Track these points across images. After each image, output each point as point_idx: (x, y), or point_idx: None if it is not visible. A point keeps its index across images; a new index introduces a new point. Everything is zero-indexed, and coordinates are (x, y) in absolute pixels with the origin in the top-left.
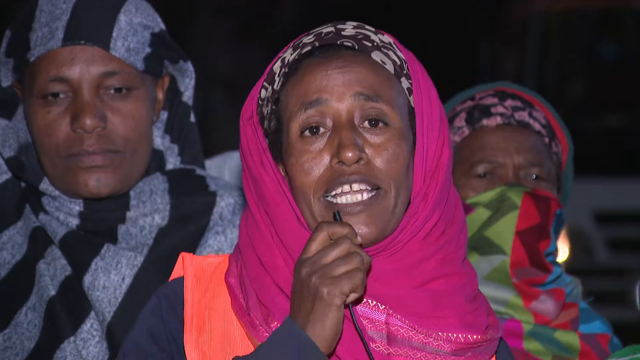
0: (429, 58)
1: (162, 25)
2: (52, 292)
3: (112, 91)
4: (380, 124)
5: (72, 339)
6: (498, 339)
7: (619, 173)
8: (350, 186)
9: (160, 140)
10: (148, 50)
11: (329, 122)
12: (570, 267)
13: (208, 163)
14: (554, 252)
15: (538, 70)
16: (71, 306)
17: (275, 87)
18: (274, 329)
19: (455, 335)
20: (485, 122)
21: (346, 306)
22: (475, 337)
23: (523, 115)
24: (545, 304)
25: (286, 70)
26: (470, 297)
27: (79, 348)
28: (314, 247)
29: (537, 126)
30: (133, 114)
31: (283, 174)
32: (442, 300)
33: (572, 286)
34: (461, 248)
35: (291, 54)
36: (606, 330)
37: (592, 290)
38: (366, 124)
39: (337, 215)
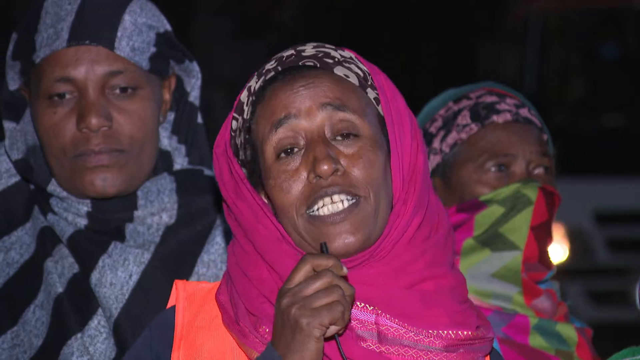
0: (429, 58)
1: (168, 26)
2: (60, 290)
3: (117, 91)
4: (352, 135)
5: (79, 335)
6: (491, 340)
7: (619, 173)
8: (331, 198)
9: (167, 141)
10: (153, 49)
11: (301, 140)
12: (570, 267)
13: None
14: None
15: (538, 70)
16: (78, 303)
17: (245, 116)
18: (262, 333)
19: (445, 331)
20: (495, 118)
21: (332, 337)
22: (466, 333)
23: (525, 112)
24: (544, 304)
25: (253, 98)
26: (460, 299)
27: (86, 344)
28: (297, 278)
29: (538, 123)
30: (139, 113)
31: (265, 200)
32: (431, 300)
33: (556, 287)
34: (448, 253)
35: (256, 82)
36: (586, 326)
37: (592, 290)
38: (338, 136)
39: (324, 246)
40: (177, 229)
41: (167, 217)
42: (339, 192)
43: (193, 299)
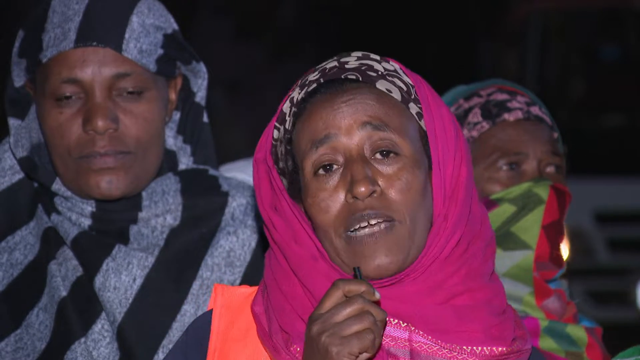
0: (429, 58)
1: (175, 26)
2: (64, 293)
3: (124, 93)
4: (392, 154)
5: (82, 339)
6: (529, 351)
7: (619, 173)
8: (368, 221)
9: (172, 141)
10: (160, 51)
11: (340, 158)
12: (571, 267)
13: (228, 166)
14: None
15: (538, 70)
16: (82, 307)
17: (286, 127)
18: (293, 352)
19: (480, 348)
20: (506, 116)
21: None
22: (501, 349)
23: (536, 111)
24: (555, 304)
25: (295, 110)
26: (497, 311)
27: (90, 349)
28: (328, 304)
29: (549, 121)
30: (145, 115)
31: (304, 212)
32: (466, 315)
33: (565, 287)
34: (487, 262)
35: (298, 93)
36: (596, 325)
37: (592, 290)
38: (377, 155)
39: (357, 271)
40: (182, 231)
41: (172, 219)
42: (375, 217)
43: (230, 307)
